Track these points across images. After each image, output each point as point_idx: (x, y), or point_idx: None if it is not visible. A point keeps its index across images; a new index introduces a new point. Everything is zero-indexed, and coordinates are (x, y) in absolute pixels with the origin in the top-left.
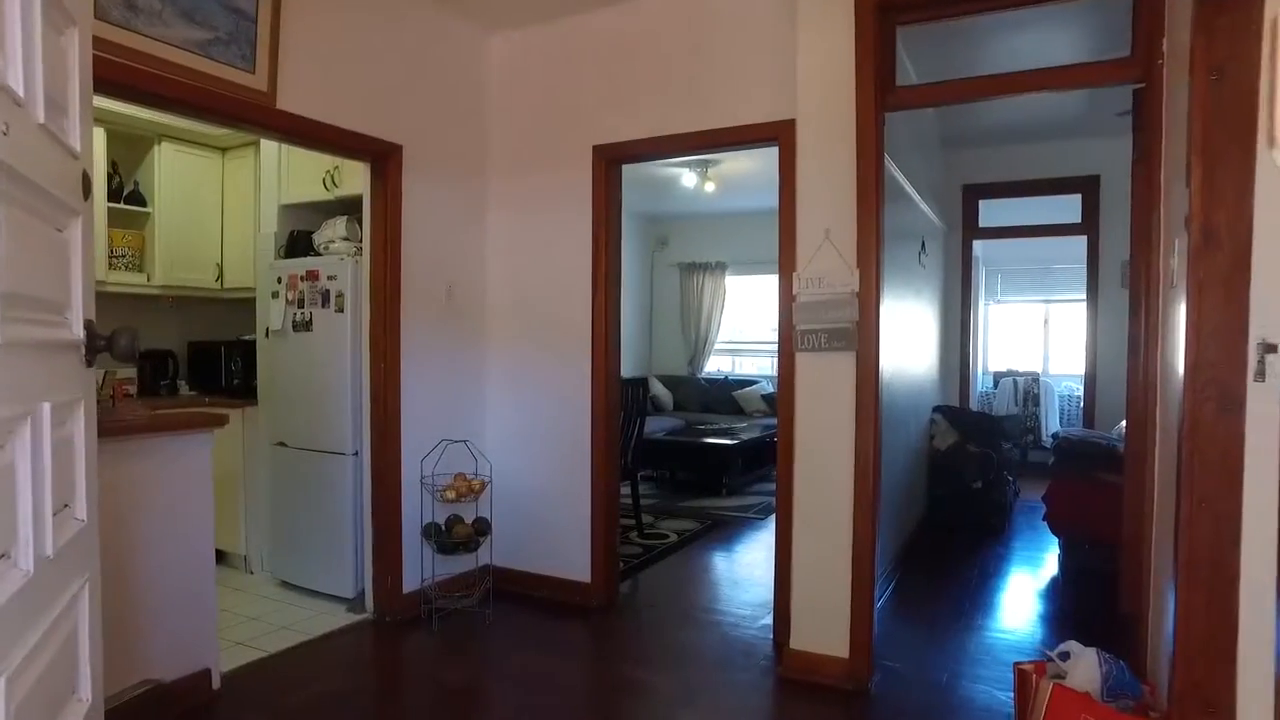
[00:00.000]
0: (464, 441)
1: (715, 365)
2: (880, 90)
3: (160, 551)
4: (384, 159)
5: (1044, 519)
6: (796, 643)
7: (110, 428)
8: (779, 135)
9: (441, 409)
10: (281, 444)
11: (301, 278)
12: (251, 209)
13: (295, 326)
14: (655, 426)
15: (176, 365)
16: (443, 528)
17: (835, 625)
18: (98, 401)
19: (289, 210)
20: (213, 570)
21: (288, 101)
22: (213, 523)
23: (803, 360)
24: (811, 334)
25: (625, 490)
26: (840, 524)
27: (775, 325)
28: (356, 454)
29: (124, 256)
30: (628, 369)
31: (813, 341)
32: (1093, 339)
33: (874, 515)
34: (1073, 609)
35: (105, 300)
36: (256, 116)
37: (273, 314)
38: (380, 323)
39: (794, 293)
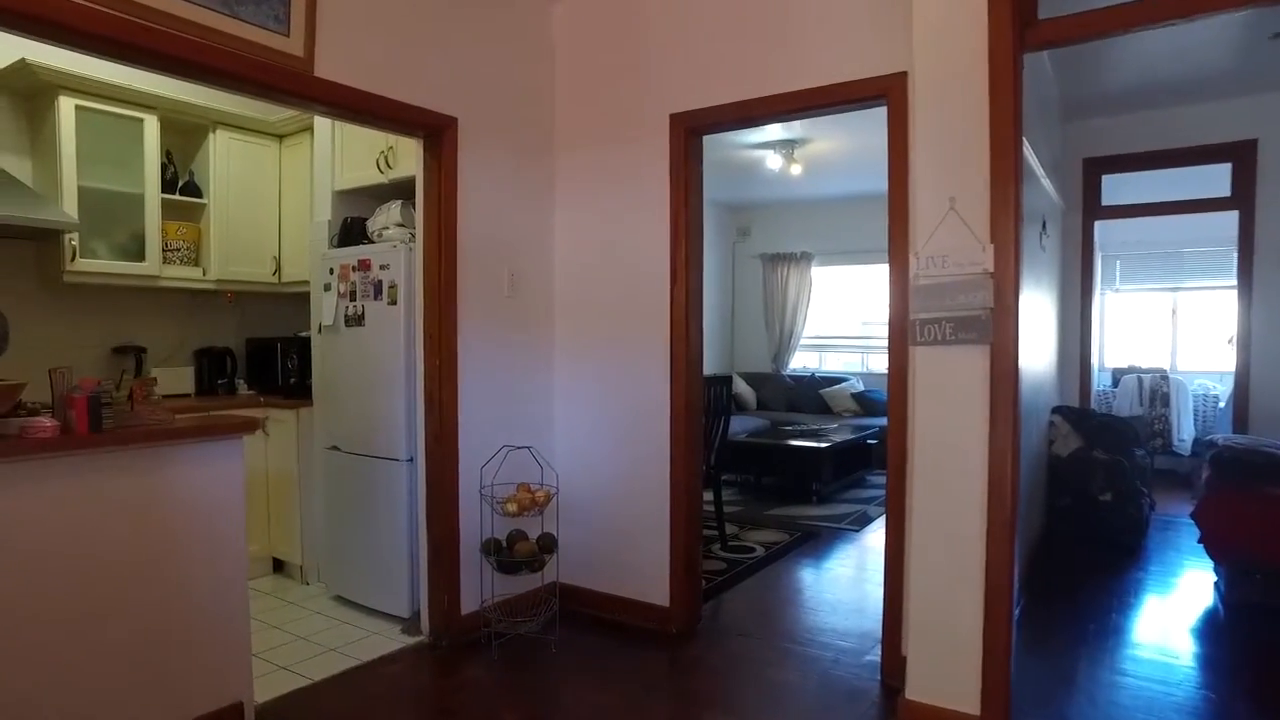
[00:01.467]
0: (527, 448)
1: (801, 362)
2: (1018, 23)
3: (184, 573)
4: (437, 134)
5: (1199, 541)
6: (914, 691)
7: (121, 435)
8: (887, 91)
9: (503, 411)
10: (335, 448)
11: (353, 268)
12: (308, 198)
13: (347, 321)
14: (738, 427)
15: (234, 363)
16: (504, 544)
17: (961, 669)
18: (109, 404)
19: (343, 196)
20: (245, 592)
21: (327, 68)
22: (243, 540)
23: (922, 355)
24: (934, 324)
25: (707, 497)
26: (967, 546)
27: (865, 319)
28: (411, 460)
29: (179, 250)
30: (709, 366)
31: (935, 333)
32: (1245, 330)
33: (1011, 537)
34: (1242, 653)
35: (160, 296)
36: (291, 85)
37: (324, 308)
38: (434, 315)
39: (911, 275)
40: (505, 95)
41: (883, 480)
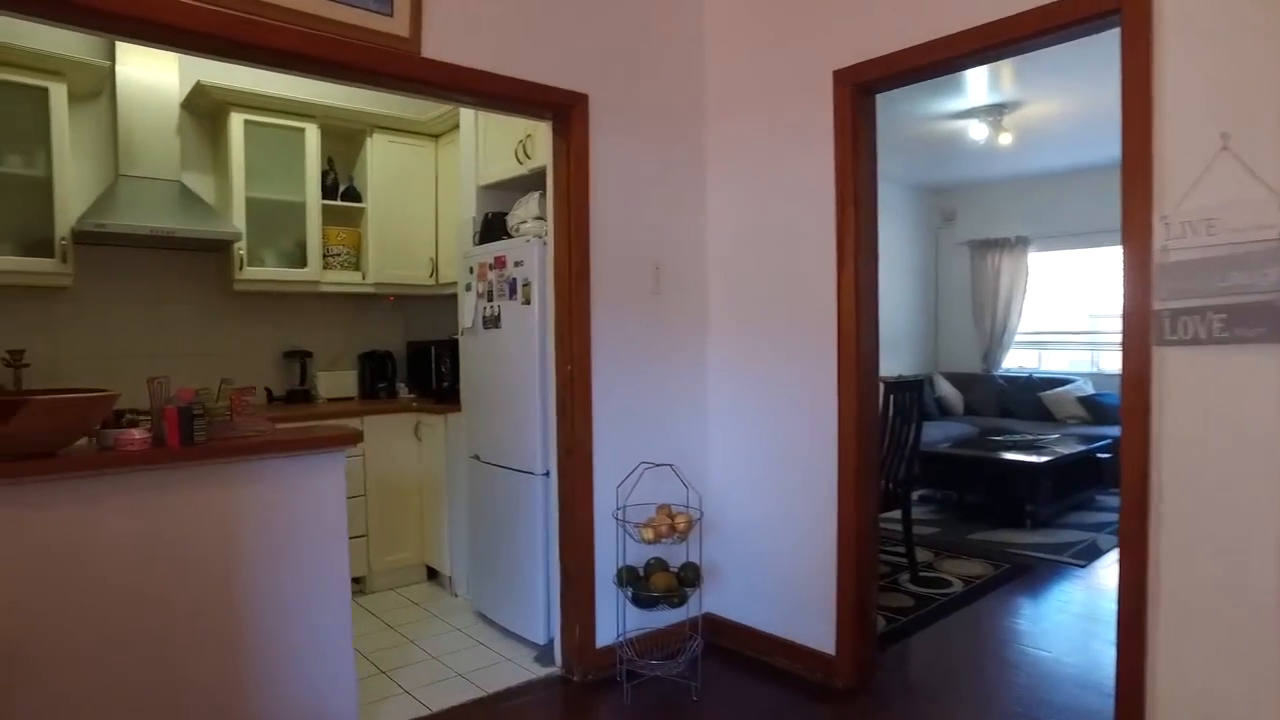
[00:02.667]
0: (668, 465)
1: (1015, 360)
2: None
3: (277, 591)
4: (565, 112)
5: None
6: None
7: (212, 449)
8: (1123, 4)
9: (644, 422)
10: (476, 457)
11: (489, 266)
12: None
13: (485, 323)
14: (938, 435)
15: (394, 367)
16: (640, 573)
17: None
18: (201, 415)
19: (486, 192)
20: (348, 616)
21: (435, 48)
22: (345, 558)
23: (1175, 360)
24: (1193, 316)
25: (893, 517)
26: (1258, 634)
27: (1094, 312)
28: (548, 475)
29: (339, 255)
30: (910, 366)
31: (1196, 328)
32: None
33: None
34: None
35: (325, 301)
36: (395, 69)
37: (465, 308)
38: (565, 315)
39: (1155, 249)
40: (642, 64)
41: (1117, 502)
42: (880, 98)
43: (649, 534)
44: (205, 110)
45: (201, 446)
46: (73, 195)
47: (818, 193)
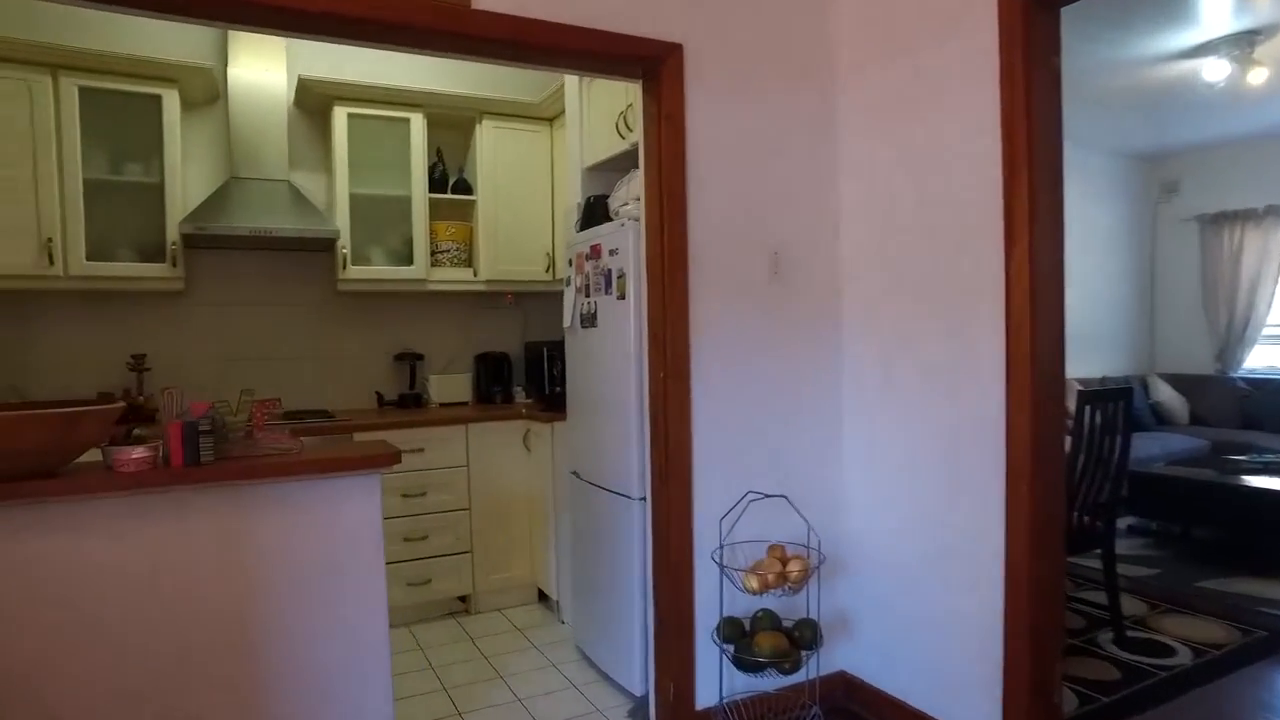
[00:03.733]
0: (780, 497)
1: (1261, 360)
2: None
3: (306, 635)
4: (654, 68)
5: None
6: None
7: (219, 470)
8: None
9: (757, 441)
10: (575, 474)
11: (586, 256)
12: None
13: (583, 321)
14: (1155, 450)
15: (510, 370)
16: (746, 628)
17: None
18: (210, 431)
19: (592, 174)
20: (385, 661)
21: None
22: (383, 596)
23: None
24: None
25: (1086, 565)
26: None
27: None
28: (644, 500)
29: (449, 251)
30: (1119, 366)
31: None
32: None
33: None
34: None
35: (439, 300)
36: (442, 24)
37: (566, 305)
38: (658, 310)
39: None
40: (750, 2)
41: None
42: (1079, 40)
43: (754, 583)
44: (312, 107)
45: (207, 467)
46: (187, 200)
47: (980, 153)
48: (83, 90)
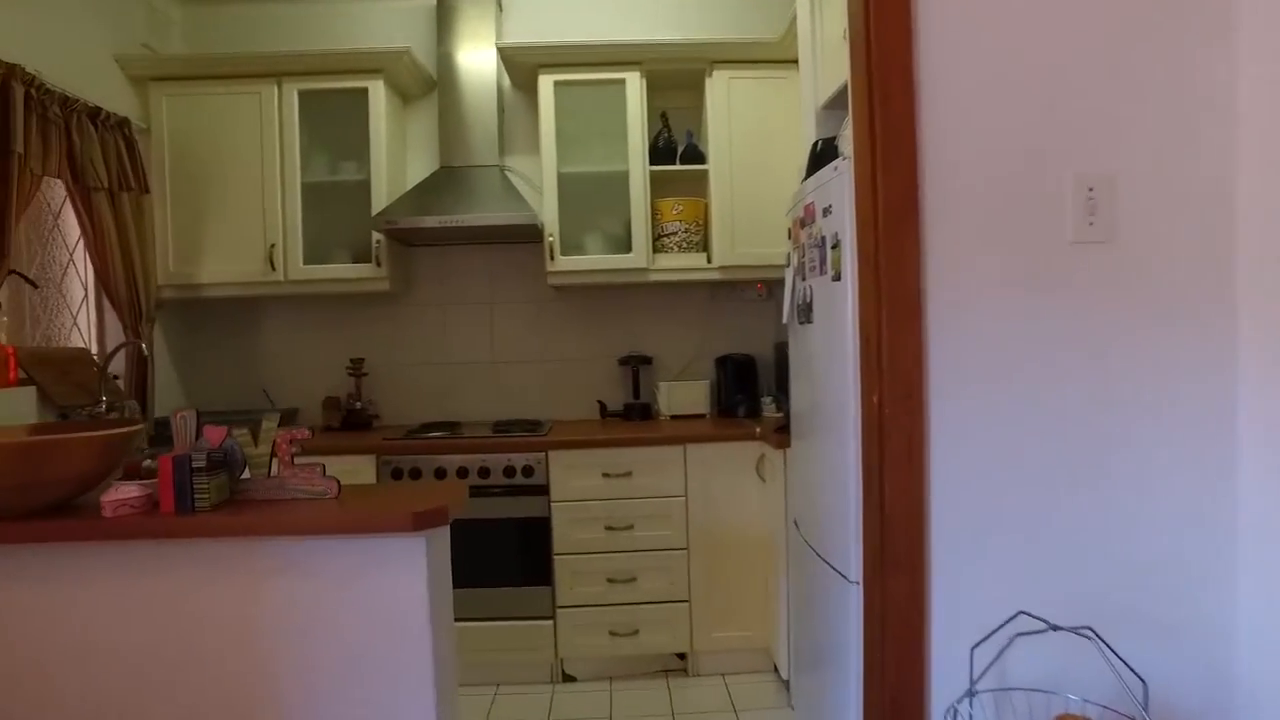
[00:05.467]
0: (1084, 631)
1: None
2: None
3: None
4: None
5: None
6: None
7: (213, 524)
8: None
9: (1046, 515)
10: (795, 523)
11: (800, 222)
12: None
13: (800, 313)
14: None
15: (756, 375)
16: None
17: None
18: (234, 464)
19: (827, 115)
20: None
21: None
22: (430, 684)
23: None
24: None
25: None
26: None
27: None
28: (859, 585)
29: (675, 234)
30: None
31: None
32: None
33: None
34: None
35: (662, 294)
36: None
37: (785, 293)
38: (870, 291)
39: None
40: None
41: None
42: None
43: None
44: (521, 82)
45: (196, 518)
46: (393, 195)
47: None
48: (301, 94)
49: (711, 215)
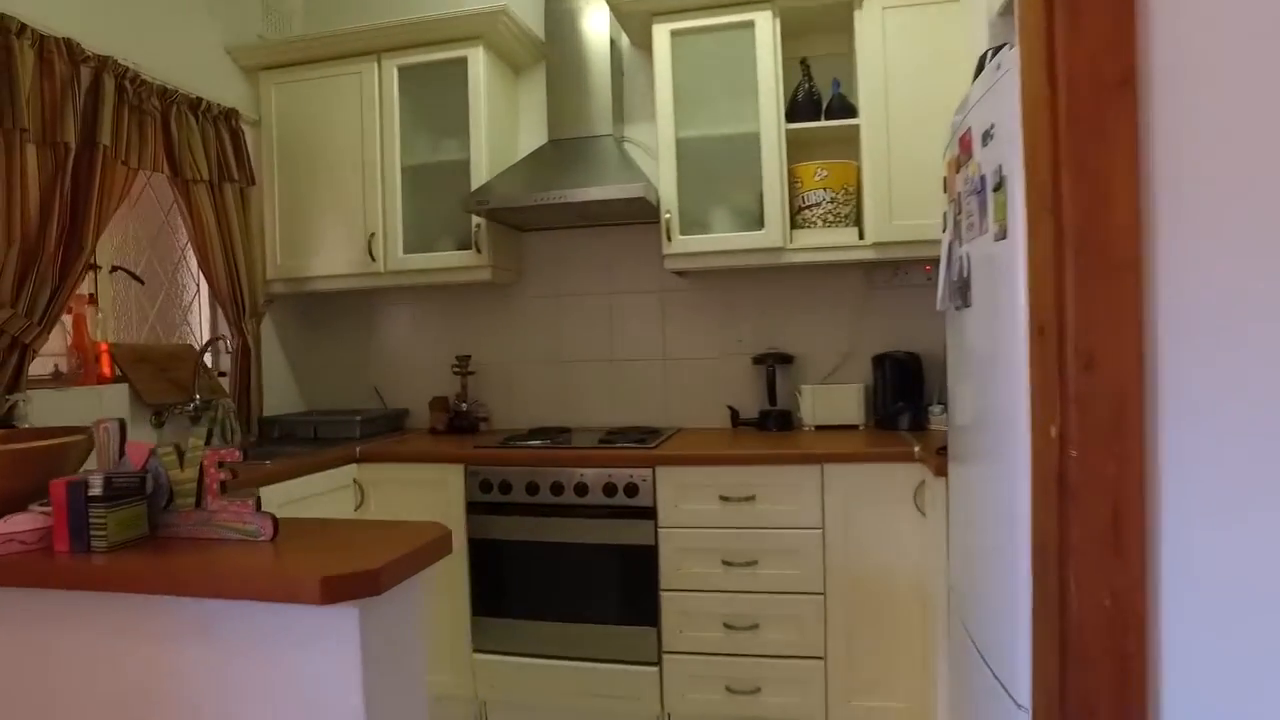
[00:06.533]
0: None
1: None
2: None
3: None
4: None
5: None
6: None
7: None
8: None
9: None
10: (950, 589)
11: (956, 161)
12: None
13: (952, 292)
14: None
15: (923, 378)
16: None
17: None
18: (159, 490)
19: (1001, 23)
20: None
21: None
22: None
23: None
24: None
25: None
26: None
27: None
28: (1028, 714)
29: (819, 204)
30: None
31: None
32: None
33: None
34: None
35: (800, 278)
36: None
37: (939, 265)
38: (1045, 252)
39: None
40: None
41: None
42: None
43: None
44: (639, 39)
45: (80, 562)
46: (496, 172)
47: None
48: (401, 70)
49: (864, 181)
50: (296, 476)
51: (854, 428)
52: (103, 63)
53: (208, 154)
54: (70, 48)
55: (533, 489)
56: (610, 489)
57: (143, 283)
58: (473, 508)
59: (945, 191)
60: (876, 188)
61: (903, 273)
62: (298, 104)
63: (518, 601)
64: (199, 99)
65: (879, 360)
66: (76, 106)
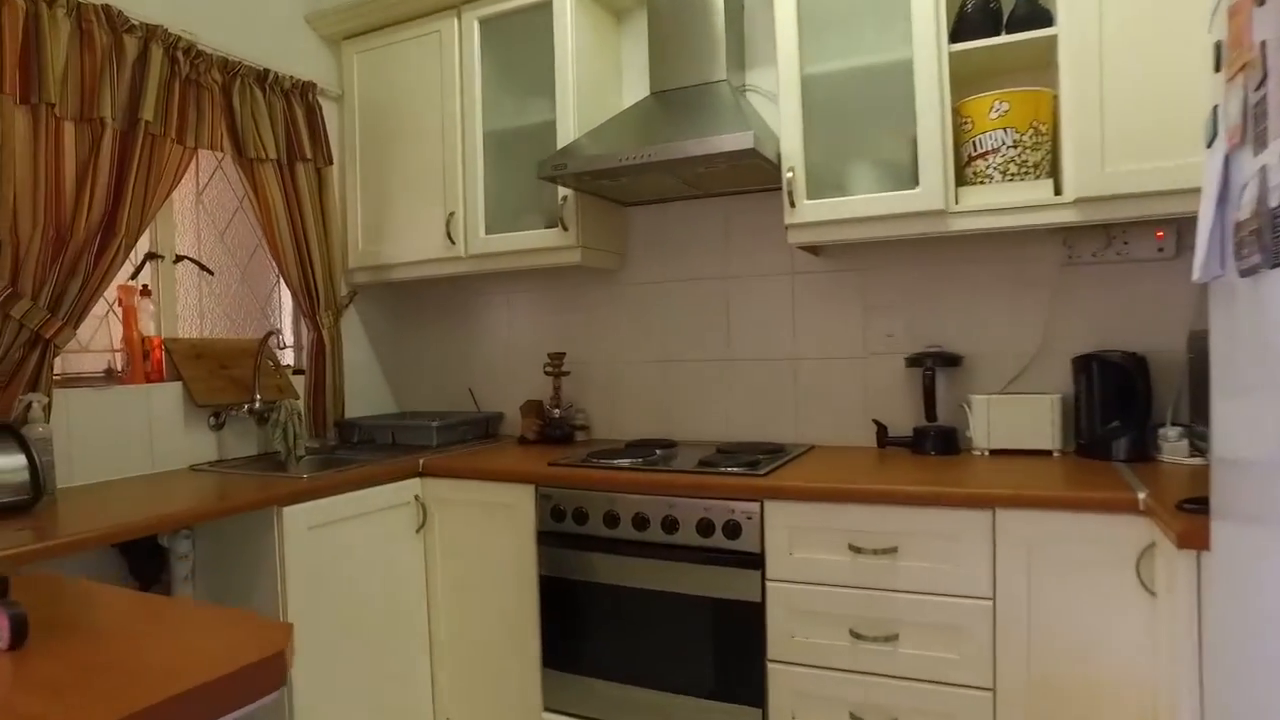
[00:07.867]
0: None
1: None
2: None
3: None
4: None
5: None
6: None
7: None
8: None
9: None
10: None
11: (1229, 44)
12: None
13: (1242, 244)
14: None
15: (1150, 387)
16: None
17: None
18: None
19: None
20: None
21: None
22: None
23: None
24: None
25: None
26: None
27: None
28: None
29: (998, 152)
30: None
31: None
32: None
33: None
34: None
35: (969, 251)
36: None
37: (1202, 199)
38: None
39: None
40: None
41: None
42: None
43: None
44: None
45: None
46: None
47: None
48: (482, 23)
49: (1063, 115)
50: (341, 492)
51: (1045, 454)
52: (151, 32)
53: (275, 131)
54: (110, 16)
55: (612, 521)
56: (706, 527)
57: (211, 274)
58: (544, 538)
59: (1219, 68)
60: (1083, 123)
61: (1120, 240)
62: (379, 74)
63: (595, 657)
64: (266, 70)
65: (1083, 363)
66: (116, 80)
